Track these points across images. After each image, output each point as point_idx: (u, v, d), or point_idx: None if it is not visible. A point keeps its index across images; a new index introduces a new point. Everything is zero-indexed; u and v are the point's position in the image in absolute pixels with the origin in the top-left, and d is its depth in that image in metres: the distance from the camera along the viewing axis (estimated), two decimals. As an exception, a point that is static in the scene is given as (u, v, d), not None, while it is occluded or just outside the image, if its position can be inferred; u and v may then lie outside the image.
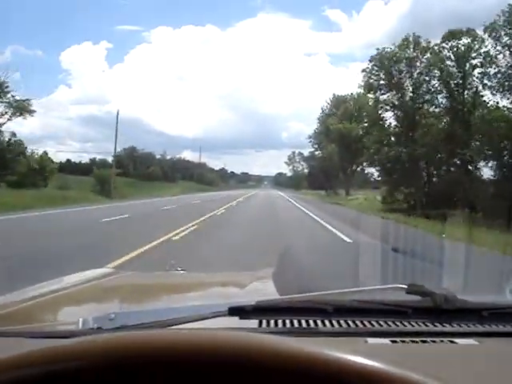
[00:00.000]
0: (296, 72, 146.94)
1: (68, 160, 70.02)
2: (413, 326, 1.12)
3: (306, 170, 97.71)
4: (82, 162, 73.20)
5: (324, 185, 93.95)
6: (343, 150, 49.63)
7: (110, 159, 73.53)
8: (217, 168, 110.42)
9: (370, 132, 38.13)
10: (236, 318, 1.07)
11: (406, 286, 1.17)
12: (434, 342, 1.04)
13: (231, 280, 1.99)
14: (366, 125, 44.41)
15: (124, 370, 0.36)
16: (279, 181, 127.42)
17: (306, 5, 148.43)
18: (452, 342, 1.04)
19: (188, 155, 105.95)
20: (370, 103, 34.58)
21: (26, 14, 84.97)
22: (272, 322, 1.09)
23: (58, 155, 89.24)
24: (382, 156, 30.35)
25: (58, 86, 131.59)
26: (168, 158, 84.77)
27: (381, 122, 32.77)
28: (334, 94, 59.06)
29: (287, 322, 1.10)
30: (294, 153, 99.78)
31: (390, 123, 32.95)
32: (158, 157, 79.06)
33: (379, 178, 37.26)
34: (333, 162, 56.45)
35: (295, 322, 1.10)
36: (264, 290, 1.53)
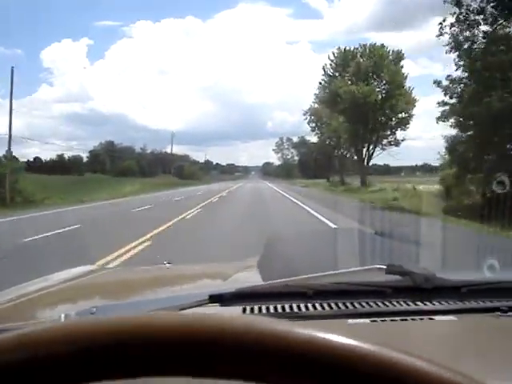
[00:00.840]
0: (279, 61, 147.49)
1: (37, 158, 66.96)
2: (393, 305, 1.12)
3: (296, 158, 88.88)
4: (51, 158, 70.19)
5: (319, 173, 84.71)
6: (358, 121, 36.37)
7: (84, 156, 73.94)
8: (201, 160, 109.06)
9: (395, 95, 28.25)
10: (217, 306, 1.08)
11: (385, 267, 1.17)
12: (413, 320, 1.05)
13: (216, 270, 1.99)
14: (387, 86, 34.97)
15: (95, 355, 0.35)
16: (267, 171, 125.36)
17: None
18: (431, 319, 1.05)
19: (175, 149, 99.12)
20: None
21: (3, 12, 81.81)
22: (254, 307, 1.10)
23: (45, 153, 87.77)
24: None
25: (40, 84, 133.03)
26: (148, 151, 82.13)
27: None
28: (338, 48, 44.10)
29: (269, 307, 1.10)
30: (282, 139, 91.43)
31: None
32: (138, 151, 76.94)
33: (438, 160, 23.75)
34: (338, 142, 46.24)
35: (277, 307, 1.10)
36: (249, 278, 1.48)
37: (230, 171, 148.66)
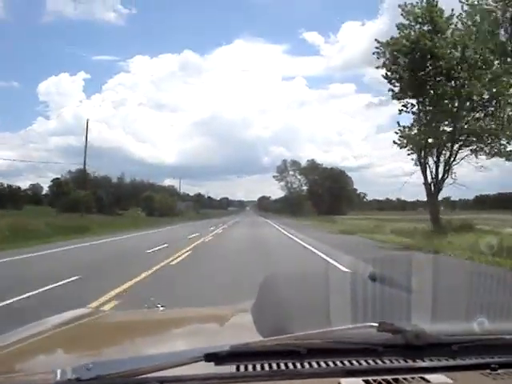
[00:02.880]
0: (275, 96, 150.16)
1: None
2: (385, 363, 1.14)
3: (304, 187, 68.69)
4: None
5: (335, 206, 63.95)
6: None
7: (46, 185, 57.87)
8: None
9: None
10: (212, 364, 1.10)
11: (377, 324, 1.19)
12: (405, 379, 1.07)
13: (210, 316, 2.04)
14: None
15: None
16: (263, 205, 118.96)
17: (282, 29, 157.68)
18: (423, 378, 1.07)
19: (169, 183, 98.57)
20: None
21: (1, 45, 78.07)
22: (247, 366, 1.13)
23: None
24: None
25: (36, 118, 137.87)
26: (127, 181, 74.35)
27: None
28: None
29: (262, 365, 1.13)
30: (285, 163, 71.06)
31: None
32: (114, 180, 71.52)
33: None
34: None
35: (270, 366, 1.13)
36: (243, 331, 1.57)
37: (223, 206, 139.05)
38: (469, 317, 1.46)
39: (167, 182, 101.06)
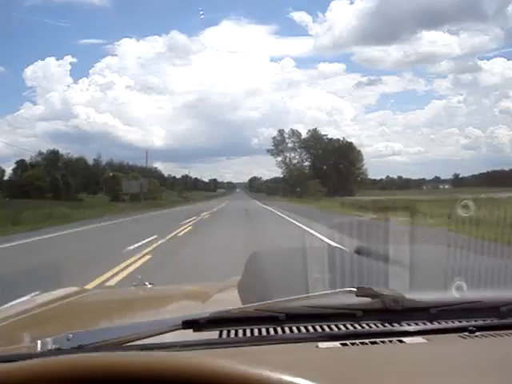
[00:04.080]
0: (263, 78, 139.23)
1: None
2: (363, 327, 1.15)
3: (306, 163, 56.94)
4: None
5: (341, 186, 53.33)
6: None
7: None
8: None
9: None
10: (191, 331, 1.11)
11: (355, 289, 1.20)
12: (383, 342, 1.08)
13: (196, 292, 2.03)
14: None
15: None
16: (255, 186, 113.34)
17: (269, 9, 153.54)
18: (401, 341, 1.09)
19: (159, 166, 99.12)
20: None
21: None
22: (225, 332, 1.14)
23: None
24: None
25: (23, 103, 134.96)
26: (103, 163, 69.99)
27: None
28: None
29: (240, 331, 1.14)
30: (281, 133, 58.52)
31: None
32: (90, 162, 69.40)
33: None
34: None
35: (249, 332, 1.14)
36: (226, 302, 1.57)
37: (211, 188, 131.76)
38: (447, 282, 1.48)
39: (156, 165, 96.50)
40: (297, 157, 58.49)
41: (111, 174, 53.11)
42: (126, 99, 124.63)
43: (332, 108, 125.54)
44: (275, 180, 75.86)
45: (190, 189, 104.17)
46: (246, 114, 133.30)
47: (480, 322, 1.17)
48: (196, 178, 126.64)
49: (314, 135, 57.29)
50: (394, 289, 1.26)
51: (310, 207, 30.14)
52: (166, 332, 1.07)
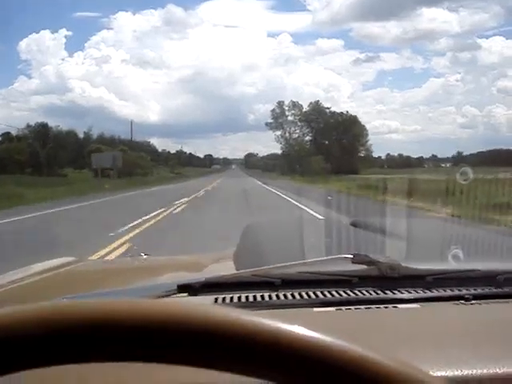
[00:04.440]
0: (260, 53, 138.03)
1: None
2: (358, 294, 1.15)
3: (307, 138, 52.85)
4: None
5: (344, 164, 49.71)
6: None
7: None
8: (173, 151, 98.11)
9: None
10: (185, 296, 1.13)
11: (351, 256, 1.22)
12: (378, 308, 1.09)
13: (193, 261, 2.02)
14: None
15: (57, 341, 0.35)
16: (251, 163, 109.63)
17: None
18: (396, 308, 1.10)
19: (154, 142, 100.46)
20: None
21: None
22: (220, 298, 1.14)
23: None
24: None
25: (18, 76, 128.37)
26: (95, 136, 65.12)
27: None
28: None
29: (236, 297, 1.14)
30: (281, 105, 54.11)
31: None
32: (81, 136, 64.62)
33: None
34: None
35: (244, 297, 1.14)
36: (221, 269, 1.52)
37: (206, 164, 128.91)
38: (444, 251, 1.47)
39: (152, 141, 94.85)
40: (297, 131, 54.23)
41: (94, 147, 48.50)
42: (122, 73, 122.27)
43: (329, 85, 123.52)
44: (272, 156, 72.59)
45: (185, 164, 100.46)
46: (243, 90, 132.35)
47: (476, 291, 1.17)
48: (191, 154, 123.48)
49: (316, 108, 53.08)
50: (390, 256, 1.26)
51: (321, 189, 24.92)
52: (160, 297, 1.07)
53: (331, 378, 0.35)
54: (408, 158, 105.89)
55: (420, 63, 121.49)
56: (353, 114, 56.26)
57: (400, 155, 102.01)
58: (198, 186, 30.05)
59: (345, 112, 55.22)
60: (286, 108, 54.64)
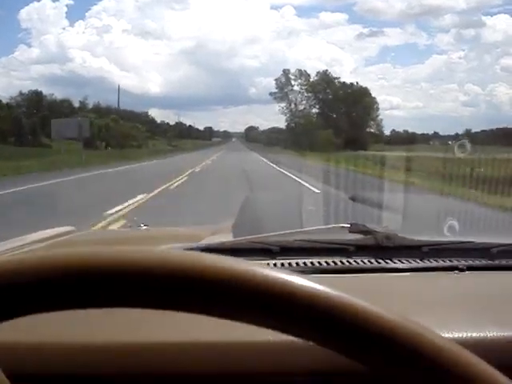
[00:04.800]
0: (262, 26, 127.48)
1: None
2: (355, 263, 1.17)
3: (314, 110, 48.81)
4: None
5: (354, 140, 46.10)
6: None
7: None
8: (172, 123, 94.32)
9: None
10: None
11: (348, 225, 1.24)
12: (373, 276, 1.12)
13: (192, 232, 2.01)
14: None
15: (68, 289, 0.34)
16: (252, 136, 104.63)
17: None
18: (391, 276, 1.13)
19: (155, 113, 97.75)
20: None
21: None
22: None
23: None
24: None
25: (18, 45, 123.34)
26: (90, 106, 60.32)
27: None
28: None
29: None
30: (286, 73, 49.80)
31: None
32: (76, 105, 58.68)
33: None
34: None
35: None
36: (219, 238, 1.55)
37: (206, 136, 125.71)
38: (439, 222, 1.47)
39: (152, 112, 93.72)
40: (304, 102, 50.07)
41: (81, 115, 44.39)
42: (123, 44, 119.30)
43: (332, 59, 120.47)
44: (273, 130, 69.21)
45: (184, 137, 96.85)
46: (244, 63, 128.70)
47: (470, 262, 1.19)
48: (190, 126, 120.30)
49: (325, 78, 48.89)
50: (388, 226, 1.30)
51: (342, 169, 20.97)
52: None
53: (361, 337, 0.34)
54: (413, 134, 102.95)
55: (423, 39, 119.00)
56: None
57: (405, 131, 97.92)
58: (191, 163, 25.30)
59: (355, 83, 51.22)
60: (292, 77, 50.44)
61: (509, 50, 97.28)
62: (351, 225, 1.23)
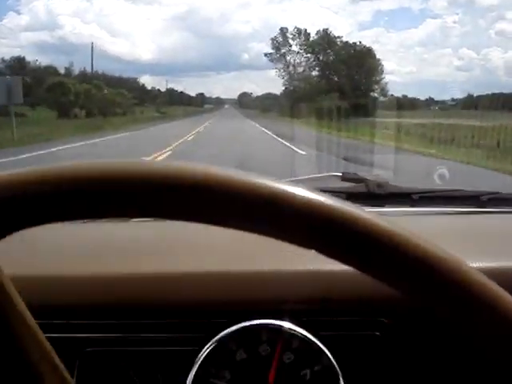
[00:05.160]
0: None
1: None
2: None
3: (314, 73, 44.70)
4: None
5: (357, 107, 42.79)
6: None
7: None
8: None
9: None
10: None
11: (340, 174, 1.25)
12: None
13: None
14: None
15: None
16: (245, 103, 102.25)
17: None
18: None
19: (147, 80, 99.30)
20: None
21: None
22: None
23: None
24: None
25: (7, 12, 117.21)
26: (76, 72, 57.05)
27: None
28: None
29: None
30: (284, 32, 45.41)
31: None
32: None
33: None
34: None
35: None
36: None
37: (198, 103, 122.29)
38: (430, 171, 1.47)
39: (144, 79, 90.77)
40: (303, 64, 45.65)
41: (55, 80, 39.92)
42: (113, 9, 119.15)
43: (325, 24, 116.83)
44: (267, 96, 66.23)
45: (175, 103, 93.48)
46: (237, 28, 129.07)
47: (460, 209, 1.22)
48: (182, 92, 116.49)
49: (325, 37, 44.49)
50: (379, 175, 1.31)
51: (364, 142, 16.82)
52: None
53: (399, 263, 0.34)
54: (414, 99, 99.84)
55: (417, 3, 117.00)
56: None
57: (404, 96, 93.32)
58: (177, 135, 21.03)
59: (358, 43, 46.85)
60: (290, 36, 46.04)
61: (504, 15, 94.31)
62: (343, 173, 1.25)
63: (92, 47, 54.90)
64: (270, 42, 46.99)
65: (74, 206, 0.34)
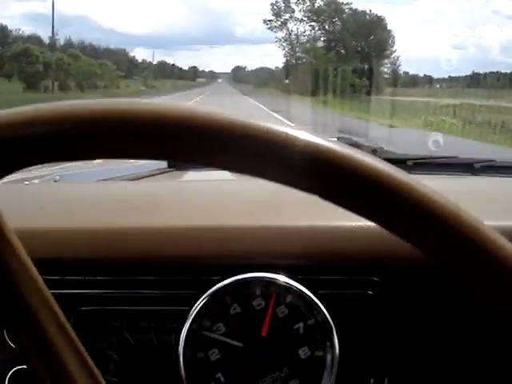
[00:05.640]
0: None
1: None
2: None
3: (319, 44, 39.44)
4: None
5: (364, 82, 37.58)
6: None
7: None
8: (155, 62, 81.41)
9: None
10: (181, 172, 1.27)
11: (335, 139, 1.29)
12: None
13: None
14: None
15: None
16: (239, 77, 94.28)
17: None
18: None
19: (140, 53, 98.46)
20: None
21: None
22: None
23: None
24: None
25: None
26: (62, 43, 49.01)
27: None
28: None
29: None
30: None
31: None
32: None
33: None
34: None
35: None
36: None
37: (190, 77, 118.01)
38: (425, 138, 1.49)
39: (138, 51, 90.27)
40: (307, 33, 40.08)
41: (20, 47, 34.42)
42: None
43: None
44: (262, 70, 61.26)
45: (167, 76, 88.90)
46: (231, 0, 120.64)
47: (453, 176, 1.24)
48: (173, 65, 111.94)
49: (332, 3, 38.99)
50: (374, 140, 1.34)
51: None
52: (151, 175, 1.21)
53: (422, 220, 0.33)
54: (415, 76, 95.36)
55: None
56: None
57: (406, 73, 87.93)
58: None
59: (368, 11, 41.46)
60: (294, 1, 40.01)
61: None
62: (338, 138, 1.23)
63: (53, 12, 50.14)
64: (270, 6, 41.35)
65: (75, 145, 0.32)
